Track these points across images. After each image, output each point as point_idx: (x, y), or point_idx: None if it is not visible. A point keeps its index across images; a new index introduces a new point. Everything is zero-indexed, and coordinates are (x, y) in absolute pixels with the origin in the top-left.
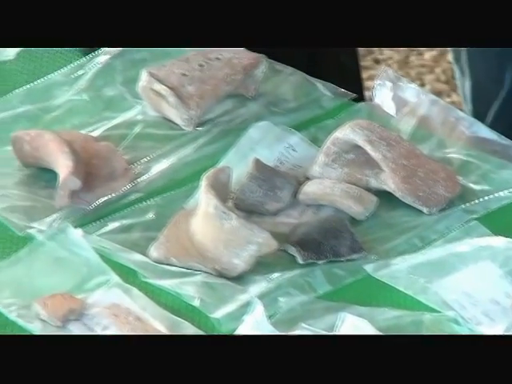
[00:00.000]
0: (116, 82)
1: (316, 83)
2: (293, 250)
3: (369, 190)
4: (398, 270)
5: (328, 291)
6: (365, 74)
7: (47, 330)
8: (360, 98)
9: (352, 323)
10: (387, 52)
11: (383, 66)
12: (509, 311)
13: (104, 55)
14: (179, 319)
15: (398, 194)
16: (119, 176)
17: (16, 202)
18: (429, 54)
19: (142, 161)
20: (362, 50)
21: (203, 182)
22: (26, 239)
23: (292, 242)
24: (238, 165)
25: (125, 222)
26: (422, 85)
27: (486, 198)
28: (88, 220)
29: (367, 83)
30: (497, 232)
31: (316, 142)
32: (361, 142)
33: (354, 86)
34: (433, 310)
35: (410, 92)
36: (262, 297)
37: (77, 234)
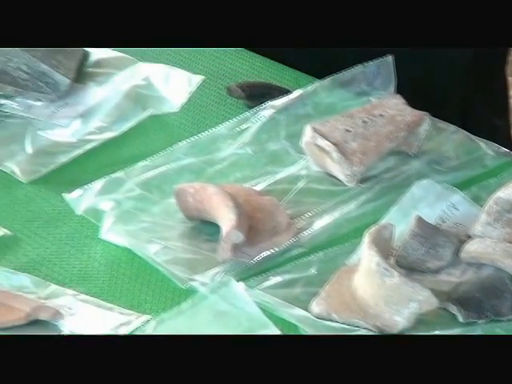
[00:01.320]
0: (280, 136)
1: (479, 142)
2: (454, 309)
3: None
4: None
5: None
6: None
7: None
8: None
9: None
10: None
11: None
12: None
13: (268, 109)
14: None
15: None
16: (282, 230)
17: (179, 254)
18: None
19: (304, 216)
20: None
21: (366, 239)
22: (188, 292)
23: (453, 301)
24: (399, 222)
25: (287, 276)
26: None
27: None
28: (250, 274)
29: None
30: None
31: (478, 200)
32: None
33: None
34: None
35: None
36: None
37: (239, 287)
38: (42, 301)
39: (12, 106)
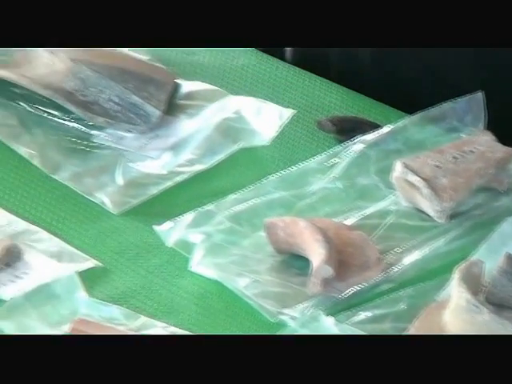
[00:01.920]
0: (370, 171)
1: None
2: None
3: None
4: None
5: None
6: None
7: None
8: None
9: None
10: None
11: None
12: None
13: (359, 144)
14: None
15: None
16: (372, 265)
17: (268, 287)
18: None
19: (394, 251)
20: None
21: (455, 275)
22: (278, 326)
23: None
24: (489, 259)
25: (376, 311)
26: None
27: None
28: (339, 308)
29: None
30: None
31: None
32: None
33: None
34: None
35: None
36: None
37: (328, 322)
38: (132, 333)
39: (103, 137)
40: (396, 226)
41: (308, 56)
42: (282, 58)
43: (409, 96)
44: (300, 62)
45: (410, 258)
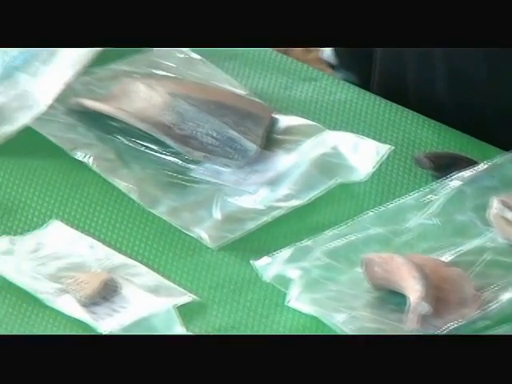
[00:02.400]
0: (466, 208)
1: None
2: None
3: None
4: None
5: None
6: None
7: None
8: None
9: None
10: None
11: None
12: None
13: (456, 180)
14: None
15: None
16: (468, 302)
17: (365, 323)
18: None
19: (490, 288)
20: None
21: None
22: None
23: None
24: None
25: None
26: None
27: None
28: None
29: None
30: None
31: None
32: None
33: None
34: None
35: None
36: None
37: None
38: None
39: (201, 171)
40: (493, 263)
41: (401, 90)
42: (379, 93)
43: (506, 133)
44: (394, 97)
45: (506, 296)
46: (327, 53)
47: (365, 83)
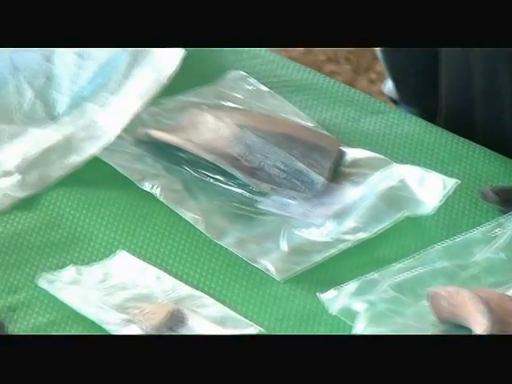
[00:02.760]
0: None
1: None
2: None
3: None
4: None
5: None
6: None
7: None
8: None
9: None
10: None
11: None
12: None
13: None
14: None
15: None
16: None
17: None
18: None
19: None
20: None
21: None
22: None
23: None
24: None
25: None
26: None
27: None
28: None
29: None
30: None
31: None
32: None
33: None
34: None
35: None
36: None
37: None
38: None
39: (268, 203)
40: None
41: (468, 123)
42: (446, 127)
43: None
44: (460, 130)
45: None
46: (389, 87)
47: (429, 117)
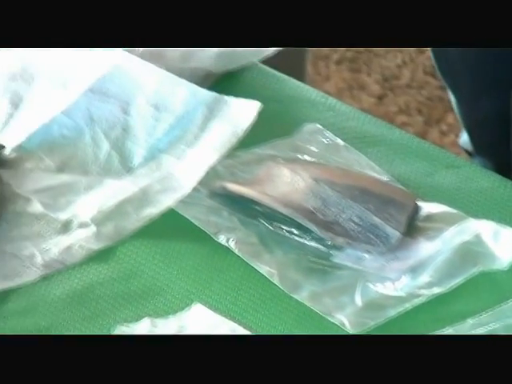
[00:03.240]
0: None
1: None
2: None
3: None
4: None
5: None
6: None
7: None
8: None
9: None
10: None
11: None
12: None
13: None
14: None
15: None
16: None
17: None
18: None
19: None
20: None
21: None
22: None
23: None
24: None
25: None
26: None
27: None
28: None
29: None
30: None
31: None
32: None
33: None
34: None
35: None
36: None
37: None
38: None
39: (343, 257)
40: None
41: None
42: None
43: None
44: None
45: None
46: (464, 139)
47: (504, 171)
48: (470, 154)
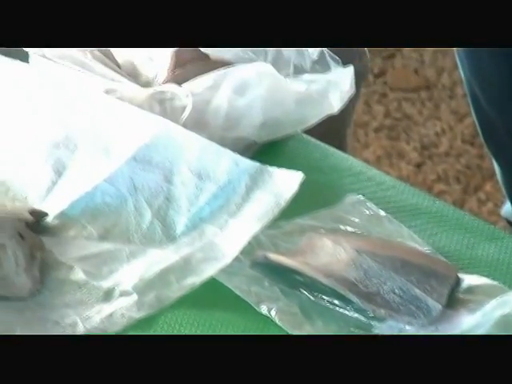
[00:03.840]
0: None
1: None
2: None
3: None
4: None
5: None
6: None
7: None
8: None
9: None
10: None
11: None
12: None
13: None
14: None
15: None
16: None
17: None
18: None
19: None
20: None
21: None
22: None
23: None
24: None
25: None
26: None
27: None
28: None
29: None
30: None
31: None
32: None
33: None
34: None
35: None
36: None
37: None
38: None
39: (384, 328)
40: None
41: None
42: None
43: None
44: None
45: None
46: (507, 210)
47: None
48: (511, 224)
